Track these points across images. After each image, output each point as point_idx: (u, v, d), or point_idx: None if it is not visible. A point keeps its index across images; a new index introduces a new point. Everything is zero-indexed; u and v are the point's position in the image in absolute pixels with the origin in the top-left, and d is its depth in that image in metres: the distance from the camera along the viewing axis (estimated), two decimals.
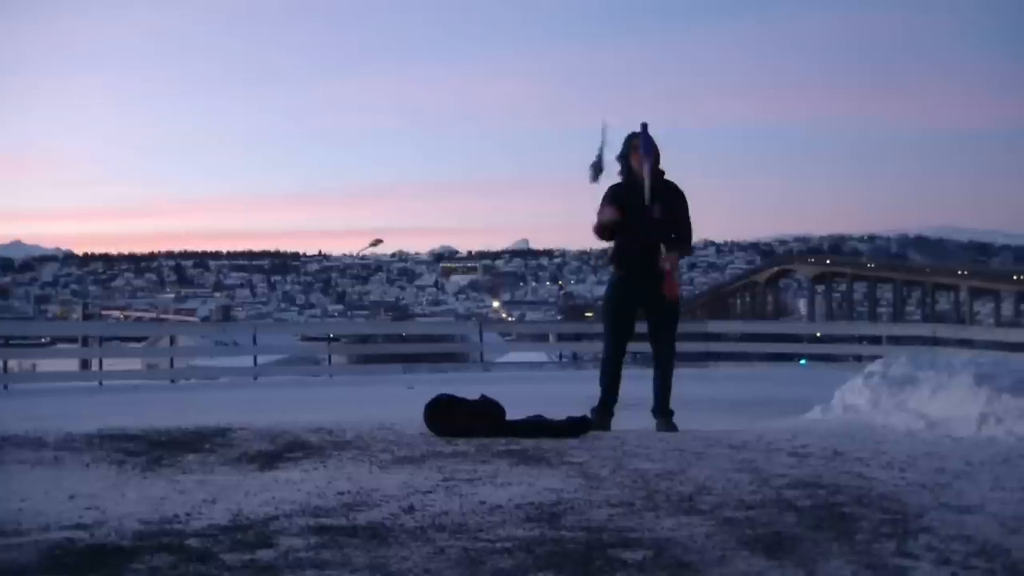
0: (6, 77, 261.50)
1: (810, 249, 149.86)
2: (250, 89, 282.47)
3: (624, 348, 7.79)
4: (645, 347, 8.05)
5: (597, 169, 7.69)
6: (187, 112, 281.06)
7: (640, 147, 7.47)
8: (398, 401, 10.98)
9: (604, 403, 7.59)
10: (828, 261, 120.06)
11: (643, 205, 7.43)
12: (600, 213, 7.56)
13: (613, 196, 7.59)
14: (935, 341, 19.53)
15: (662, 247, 7.47)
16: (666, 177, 7.62)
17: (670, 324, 7.77)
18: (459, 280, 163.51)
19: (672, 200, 7.58)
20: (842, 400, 7.96)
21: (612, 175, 7.71)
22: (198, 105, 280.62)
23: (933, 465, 5.36)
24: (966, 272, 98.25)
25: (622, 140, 7.66)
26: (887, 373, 7.84)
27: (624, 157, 7.59)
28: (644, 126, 7.50)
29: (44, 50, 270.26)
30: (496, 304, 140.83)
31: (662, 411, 7.55)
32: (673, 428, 7.33)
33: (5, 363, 18.70)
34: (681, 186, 7.67)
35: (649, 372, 7.84)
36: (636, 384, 7.89)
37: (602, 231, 7.61)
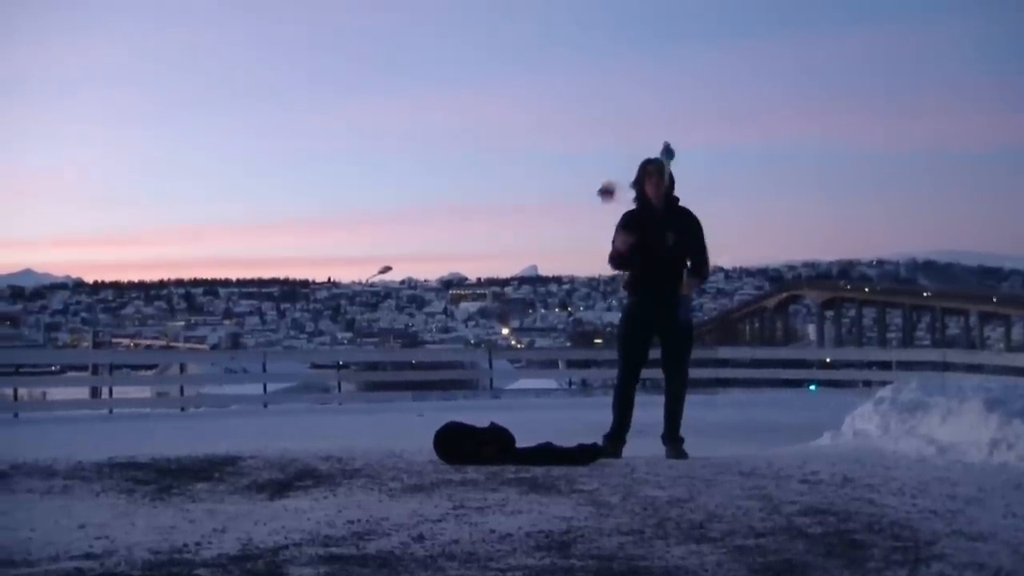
0: (15, 104, 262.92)
1: (819, 275, 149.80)
2: (259, 115, 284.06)
3: (638, 375, 7.78)
4: (654, 373, 8.05)
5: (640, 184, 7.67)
6: (196, 138, 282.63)
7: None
8: (408, 429, 10.96)
9: (616, 430, 7.57)
10: (838, 286, 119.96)
11: (657, 232, 7.43)
12: (616, 240, 7.57)
13: (627, 223, 7.60)
14: (945, 366, 19.48)
15: (685, 273, 7.47)
16: (680, 204, 7.64)
17: (684, 351, 7.74)
18: (468, 307, 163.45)
19: (686, 226, 7.59)
20: (852, 426, 7.94)
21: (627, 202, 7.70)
22: (208, 132, 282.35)
23: (944, 491, 5.33)
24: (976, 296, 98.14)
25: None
26: (897, 399, 7.82)
27: (638, 183, 7.59)
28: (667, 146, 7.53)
29: (53, 77, 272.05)
30: (505, 331, 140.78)
31: (672, 437, 7.53)
32: (683, 455, 7.30)
33: (15, 391, 18.71)
34: (695, 212, 7.69)
35: (658, 398, 7.83)
36: (645, 411, 7.87)
37: (619, 259, 7.61)
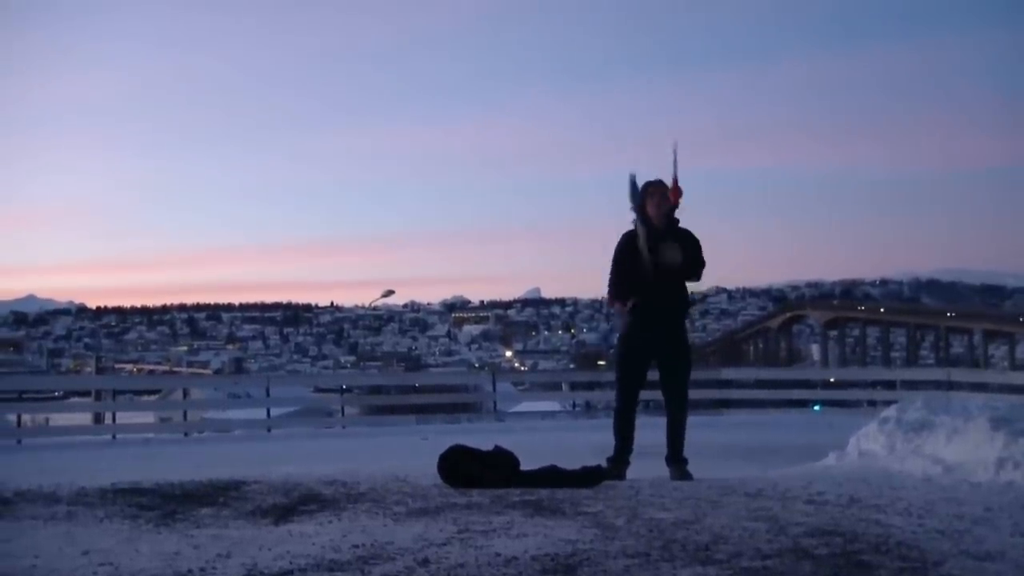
0: (16, 131, 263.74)
1: (822, 294, 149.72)
2: (261, 140, 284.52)
3: (637, 396, 7.79)
4: (657, 394, 8.04)
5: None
6: (198, 163, 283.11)
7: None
8: (412, 452, 10.95)
9: (619, 452, 7.57)
10: (840, 305, 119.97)
11: (656, 251, 7.45)
12: (615, 291, 7.67)
13: (625, 245, 7.63)
14: (950, 385, 19.49)
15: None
16: (680, 225, 7.68)
17: (683, 372, 7.76)
18: (471, 330, 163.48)
19: (684, 243, 7.60)
20: (857, 446, 7.92)
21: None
22: (209, 156, 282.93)
23: (951, 511, 5.32)
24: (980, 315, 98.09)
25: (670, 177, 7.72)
26: (902, 418, 7.80)
27: (640, 206, 7.63)
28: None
29: (56, 105, 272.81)
30: (509, 353, 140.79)
31: (676, 459, 7.54)
32: (688, 476, 7.29)
33: (19, 417, 18.71)
34: (696, 233, 7.72)
35: (661, 420, 7.82)
36: (650, 432, 7.86)
37: (620, 290, 7.67)
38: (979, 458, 6.65)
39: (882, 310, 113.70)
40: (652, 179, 7.67)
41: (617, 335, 8.20)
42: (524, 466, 6.72)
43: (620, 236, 7.72)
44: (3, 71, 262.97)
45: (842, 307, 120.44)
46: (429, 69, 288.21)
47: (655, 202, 7.56)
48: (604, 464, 7.24)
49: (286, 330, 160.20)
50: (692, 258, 7.63)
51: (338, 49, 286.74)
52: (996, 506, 5.44)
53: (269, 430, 18.90)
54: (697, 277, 7.88)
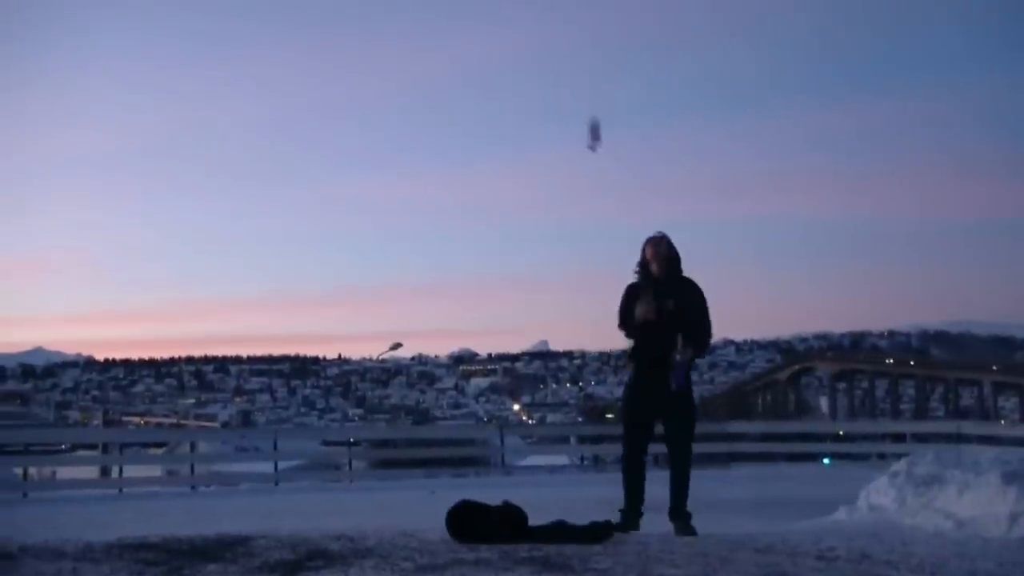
0: (25, 182, 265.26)
1: (830, 346, 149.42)
2: (269, 192, 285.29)
3: (644, 449, 7.75)
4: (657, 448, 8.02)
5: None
6: (205, 215, 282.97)
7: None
8: (420, 507, 10.90)
9: (630, 505, 7.53)
10: (849, 357, 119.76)
11: (659, 304, 7.47)
12: (638, 309, 7.56)
13: (631, 295, 7.65)
14: (959, 438, 19.42)
15: (679, 340, 7.46)
16: (684, 275, 7.70)
17: (687, 426, 7.70)
18: (479, 383, 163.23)
19: (688, 297, 7.62)
20: (867, 500, 7.89)
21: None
22: (216, 208, 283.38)
23: (964, 567, 5.28)
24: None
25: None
26: (912, 472, 7.77)
27: (642, 262, 7.68)
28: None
29: (62, 154, 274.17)
30: (517, 407, 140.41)
31: (679, 514, 7.47)
32: (691, 531, 7.24)
33: (25, 470, 18.70)
34: (700, 285, 7.72)
35: (661, 474, 7.79)
36: (659, 486, 7.82)
37: (630, 328, 7.64)
38: (991, 513, 6.61)
39: (890, 361, 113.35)
40: (654, 233, 7.72)
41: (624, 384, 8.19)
42: (532, 521, 6.68)
43: (624, 288, 7.76)
44: (11, 122, 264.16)
45: (851, 359, 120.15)
46: (435, 118, 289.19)
47: (656, 255, 7.60)
48: (616, 519, 7.20)
49: (293, 383, 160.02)
50: (700, 334, 7.63)
51: (344, 99, 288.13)
52: (1009, 562, 5.41)
53: (276, 483, 18.86)
54: (703, 349, 7.87)
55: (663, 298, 7.48)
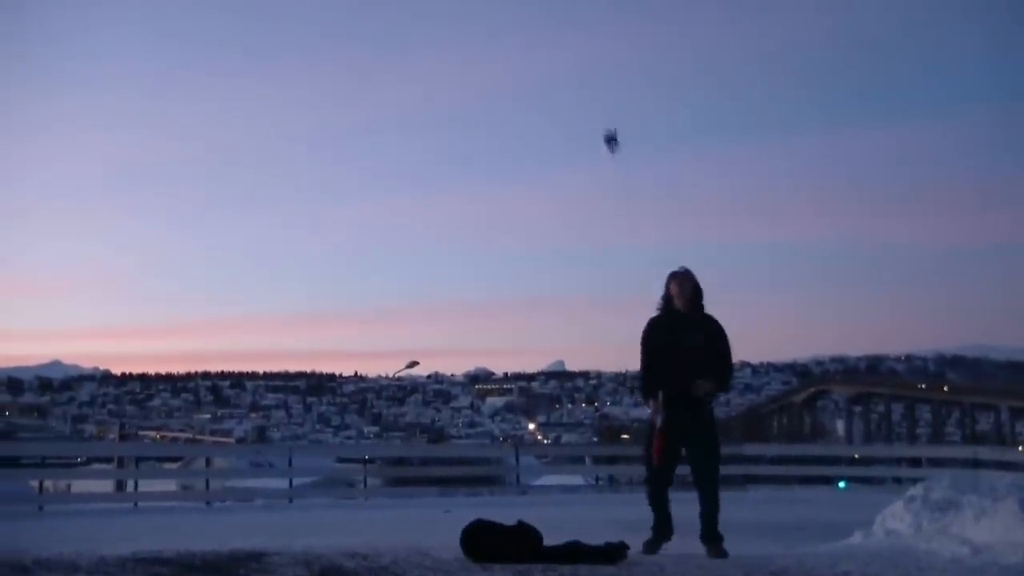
0: (43, 197, 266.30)
1: (847, 370, 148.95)
2: (287, 209, 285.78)
3: (669, 480, 7.78)
4: (684, 469, 8.01)
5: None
6: (224, 231, 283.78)
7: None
8: (434, 525, 10.88)
9: (657, 531, 7.57)
10: (865, 381, 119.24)
11: (681, 338, 7.58)
12: (645, 386, 7.73)
13: (652, 327, 7.80)
14: (976, 463, 19.32)
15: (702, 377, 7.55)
16: (706, 312, 7.82)
17: (712, 455, 7.77)
18: (495, 402, 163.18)
19: (710, 334, 7.76)
20: (883, 525, 7.85)
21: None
22: (235, 225, 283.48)
23: None
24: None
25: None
26: (928, 497, 7.73)
27: (666, 296, 7.82)
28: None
29: (82, 170, 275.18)
30: (532, 426, 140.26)
31: (711, 537, 7.49)
32: (723, 554, 7.26)
33: (41, 484, 18.71)
34: (721, 320, 7.87)
35: (686, 495, 7.78)
36: (679, 507, 7.80)
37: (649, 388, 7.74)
38: (1009, 540, 6.58)
39: (922, 386, 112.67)
40: (678, 269, 7.86)
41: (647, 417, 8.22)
42: (546, 541, 6.67)
43: (647, 321, 7.87)
44: (32, 135, 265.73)
45: (867, 382, 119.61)
46: (453, 138, 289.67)
47: (680, 290, 7.74)
48: (629, 539, 7.20)
49: (309, 399, 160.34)
50: (722, 369, 7.75)
51: (363, 118, 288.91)
52: None
53: (291, 500, 18.84)
54: (724, 387, 7.92)
55: (687, 333, 7.61)
